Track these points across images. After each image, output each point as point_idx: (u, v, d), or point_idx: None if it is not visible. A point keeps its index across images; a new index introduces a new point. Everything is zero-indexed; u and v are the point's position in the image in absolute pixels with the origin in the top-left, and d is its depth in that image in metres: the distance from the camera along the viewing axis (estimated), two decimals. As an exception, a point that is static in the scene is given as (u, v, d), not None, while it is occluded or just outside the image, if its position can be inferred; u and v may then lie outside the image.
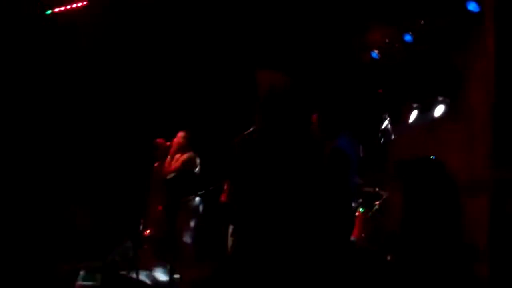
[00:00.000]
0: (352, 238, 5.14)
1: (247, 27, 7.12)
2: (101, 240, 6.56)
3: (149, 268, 5.88)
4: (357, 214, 5.61)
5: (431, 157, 5.39)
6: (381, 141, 6.80)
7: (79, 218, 7.15)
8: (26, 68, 7.27)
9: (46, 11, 6.97)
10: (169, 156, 6.18)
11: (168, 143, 6.25)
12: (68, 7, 6.94)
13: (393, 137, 6.76)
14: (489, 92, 5.56)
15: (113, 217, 6.99)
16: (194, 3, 7.11)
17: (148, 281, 5.65)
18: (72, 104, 7.57)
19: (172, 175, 5.95)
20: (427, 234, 4.90)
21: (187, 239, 5.68)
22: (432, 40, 6.48)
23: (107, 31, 7.35)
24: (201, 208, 5.84)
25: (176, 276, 5.70)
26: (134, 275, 5.53)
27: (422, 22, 6.47)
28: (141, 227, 6.24)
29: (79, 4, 6.95)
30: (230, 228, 5.71)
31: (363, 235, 5.65)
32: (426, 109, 6.66)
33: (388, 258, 5.32)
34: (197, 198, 5.58)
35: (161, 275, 5.75)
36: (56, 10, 6.96)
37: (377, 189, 5.90)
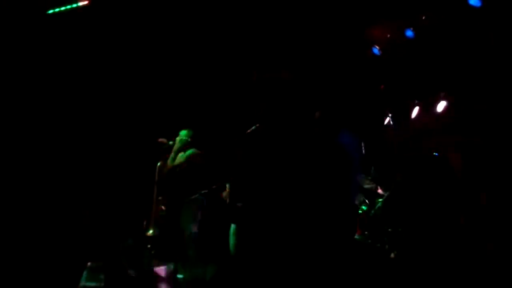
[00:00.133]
0: (355, 235, 5.14)
1: (249, 25, 7.11)
2: (104, 240, 6.56)
3: (152, 268, 5.88)
4: (359, 211, 5.61)
5: (434, 153, 5.38)
6: (383, 138, 6.80)
7: (82, 218, 7.15)
8: (28, 68, 7.27)
9: (47, 11, 6.96)
10: (171, 156, 6.17)
11: (170, 143, 6.24)
12: (69, 7, 6.93)
13: (395, 133, 6.76)
14: (490, 88, 5.55)
15: (116, 217, 6.99)
16: (196, 1, 7.10)
17: (151, 281, 5.65)
18: (75, 104, 7.57)
19: (177, 169, 5.92)
20: (430, 231, 4.89)
21: (190, 238, 5.67)
22: (433, 36, 6.47)
23: (108, 31, 7.35)
24: (204, 207, 5.83)
25: (180, 276, 5.71)
26: (137, 275, 5.53)
27: (423, 18, 6.45)
28: (144, 227, 6.23)
29: (80, 4, 6.94)
30: (232, 227, 5.74)
31: (366, 232, 5.65)
32: (428, 105, 6.66)
33: (391, 255, 5.31)
34: (200, 197, 5.56)
35: (164, 275, 5.75)
36: (57, 10, 6.95)
37: (379, 186, 5.89)
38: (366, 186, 5.94)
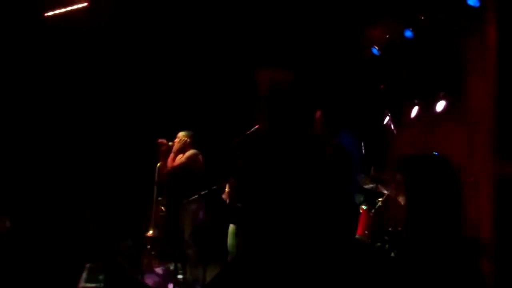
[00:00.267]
0: (356, 235, 5.13)
1: (248, 26, 7.11)
2: (104, 241, 6.56)
3: (152, 269, 5.88)
4: (360, 211, 5.60)
5: (434, 153, 5.36)
6: (383, 138, 6.80)
7: (82, 218, 7.15)
8: (28, 70, 7.27)
9: (46, 12, 6.96)
10: (171, 156, 6.17)
11: (170, 143, 6.24)
12: (68, 8, 6.93)
13: (394, 133, 6.76)
14: (491, 86, 5.54)
15: (116, 218, 6.99)
16: (195, 2, 7.10)
17: (151, 282, 5.65)
18: (75, 105, 7.57)
19: (176, 169, 5.90)
20: (431, 230, 4.87)
21: (189, 239, 5.67)
22: (432, 36, 6.46)
23: (108, 33, 7.35)
24: (203, 208, 5.82)
25: (179, 276, 5.70)
26: (137, 276, 5.52)
27: (422, 18, 6.45)
28: (143, 227, 6.23)
29: (79, 6, 6.94)
30: (230, 227, 5.73)
31: (366, 232, 5.64)
32: (427, 105, 6.65)
33: (392, 254, 5.31)
34: (200, 198, 5.56)
35: (164, 276, 5.75)
36: (57, 11, 6.94)
37: (379, 186, 5.89)
38: (366, 186, 5.95)
